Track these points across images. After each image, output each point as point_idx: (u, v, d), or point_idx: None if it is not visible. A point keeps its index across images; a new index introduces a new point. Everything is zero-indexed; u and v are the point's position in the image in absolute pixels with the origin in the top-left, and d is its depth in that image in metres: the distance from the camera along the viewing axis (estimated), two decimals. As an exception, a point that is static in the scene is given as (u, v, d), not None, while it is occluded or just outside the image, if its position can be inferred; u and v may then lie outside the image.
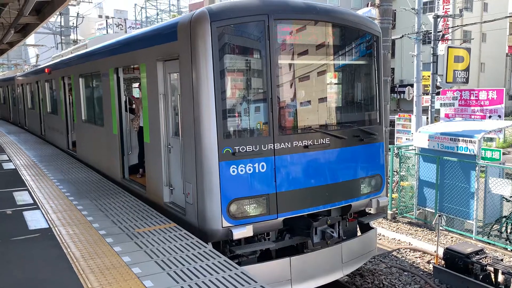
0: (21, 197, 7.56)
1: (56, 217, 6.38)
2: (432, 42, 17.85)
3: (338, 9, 6.86)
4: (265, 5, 6.00)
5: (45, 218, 6.36)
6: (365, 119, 7.26)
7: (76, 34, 29.71)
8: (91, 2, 29.01)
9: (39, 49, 28.50)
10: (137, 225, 6.05)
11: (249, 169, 5.80)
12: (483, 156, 10.87)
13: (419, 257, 9.37)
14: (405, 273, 8.51)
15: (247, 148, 5.77)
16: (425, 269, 8.75)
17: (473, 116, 17.57)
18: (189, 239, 5.53)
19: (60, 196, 7.59)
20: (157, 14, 57.65)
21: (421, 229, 11.11)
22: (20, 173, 9.58)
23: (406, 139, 20.21)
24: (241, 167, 5.76)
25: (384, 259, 9.18)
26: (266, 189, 5.94)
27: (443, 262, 8.22)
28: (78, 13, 29.57)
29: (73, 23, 28.99)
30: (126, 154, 8.76)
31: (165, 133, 6.81)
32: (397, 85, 43.10)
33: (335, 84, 7.02)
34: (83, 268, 4.59)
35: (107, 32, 48.45)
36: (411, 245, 10.07)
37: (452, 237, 10.36)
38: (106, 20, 54.28)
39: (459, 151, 10.39)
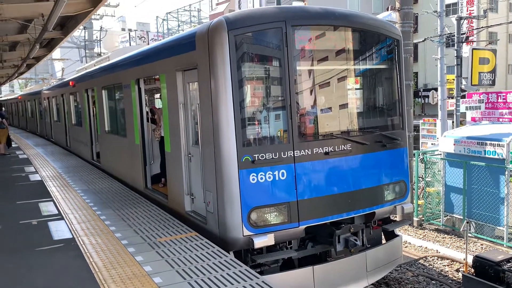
0: (46, 208, 7.70)
1: (79, 227, 6.46)
2: (455, 44, 17.49)
3: (356, 13, 6.78)
4: (282, 12, 5.97)
5: (69, 228, 6.45)
6: (387, 124, 7.12)
7: (100, 47, 30.41)
8: (114, 16, 29.69)
9: (64, 63, 29.26)
10: (159, 234, 6.07)
11: (269, 177, 5.75)
12: (511, 160, 10.53)
13: (447, 265, 9.10)
14: (432, 281, 8.26)
15: (267, 156, 5.72)
16: (453, 278, 8.48)
17: (501, 119, 17.06)
18: (210, 248, 5.51)
19: (84, 207, 7.69)
20: (178, 26, 58.50)
21: (449, 236, 10.81)
22: (46, 184, 9.77)
23: (432, 144, 19.80)
24: (261, 175, 5.71)
25: (410, 267, 8.94)
26: (286, 197, 5.87)
27: (472, 270, 7.94)
28: (101, 27, 30.26)
29: (96, 37, 29.70)
30: (148, 163, 8.83)
31: (185, 142, 6.84)
32: (421, 89, 42.36)
33: (356, 89, 6.92)
34: (105, 278, 4.61)
35: (130, 45, 49.44)
36: (439, 252, 9.79)
37: (482, 244, 10.03)
38: (129, 33, 55.42)
39: (486, 155, 10.09)
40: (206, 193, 6.14)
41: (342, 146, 6.25)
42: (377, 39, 6.84)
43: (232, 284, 4.40)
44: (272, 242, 5.73)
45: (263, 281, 4.44)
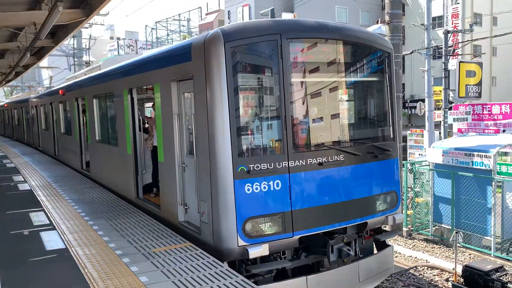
0: (37, 217, 7.62)
1: (72, 238, 6.41)
2: (443, 57, 17.84)
3: (349, 27, 6.92)
4: (277, 25, 6.07)
5: (61, 238, 6.40)
6: (379, 135, 7.24)
7: (89, 55, 30.26)
8: (103, 25, 29.61)
9: (52, 71, 29.07)
10: (153, 244, 6.05)
11: (264, 187, 5.80)
12: (499, 171, 10.75)
13: (437, 275, 9.21)
14: (423, 291, 8.36)
15: (262, 166, 5.77)
16: (443, 287, 8.58)
17: (486, 131, 17.40)
18: (205, 258, 5.51)
19: (75, 217, 7.64)
20: (168, 35, 58.56)
21: (437, 246, 10.94)
22: (35, 193, 9.67)
23: (419, 154, 20.06)
24: (256, 185, 5.75)
25: (401, 277, 9.03)
26: (281, 207, 5.91)
27: (462, 279, 8.07)
28: (90, 35, 30.17)
29: (85, 45, 29.57)
30: (140, 173, 8.81)
31: (180, 152, 6.85)
32: (408, 100, 42.96)
33: (348, 101, 7.03)
34: (100, 289, 4.59)
35: (118, 53, 49.32)
36: (428, 262, 9.91)
37: (470, 254, 10.17)
38: (118, 42, 55.26)
39: (474, 166, 10.29)
40: (201, 203, 6.15)
41: (336, 156, 6.33)
42: (369, 52, 6.97)
43: (229, 294, 4.42)
44: (266, 252, 5.76)
45: (259, 291, 4.46)
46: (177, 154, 6.86)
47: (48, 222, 7.32)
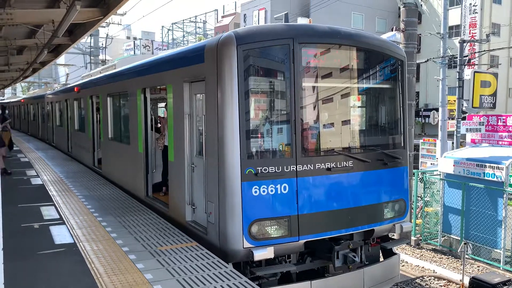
0: (48, 212, 7.75)
1: (81, 233, 6.51)
2: (458, 66, 17.70)
3: (362, 33, 6.92)
4: (290, 30, 6.11)
5: (70, 233, 6.50)
6: (389, 142, 7.22)
7: (105, 54, 30.64)
8: (120, 24, 29.95)
9: (69, 68, 29.50)
10: (160, 242, 6.11)
11: (271, 190, 5.82)
12: (510, 183, 10.61)
13: (444, 286, 9.12)
14: (429, 301, 8.29)
15: (270, 169, 5.80)
16: (450, 298, 8.51)
17: (500, 142, 17.18)
18: (210, 258, 5.56)
19: (85, 212, 7.74)
20: (183, 36, 59.00)
21: (446, 256, 10.84)
22: (47, 188, 9.82)
23: (431, 163, 19.88)
24: (263, 188, 5.78)
25: (407, 286, 8.96)
26: (288, 211, 5.93)
27: (469, 291, 7.99)
28: (107, 34, 30.53)
29: (102, 44, 29.95)
30: (150, 172, 8.90)
31: (189, 153, 6.92)
32: (422, 109, 42.59)
33: (359, 107, 7.03)
34: (106, 284, 4.65)
35: (134, 53, 49.81)
36: (436, 273, 9.82)
37: (478, 266, 10.06)
38: (134, 42, 55.83)
39: (485, 178, 10.18)
40: (208, 204, 6.20)
41: (344, 162, 6.33)
42: (381, 59, 6.97)
43: (232, 295, 4.45)
44: (271, 255, 5.78)
45: (262, 293, 4.48)
46: (186, 154, 6.93)
47: (58, 216, 7.44)
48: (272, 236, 5.85)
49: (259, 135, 6.05)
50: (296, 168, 5.94)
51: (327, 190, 6.22)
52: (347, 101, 6.83)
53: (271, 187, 5.81)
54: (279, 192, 5.86)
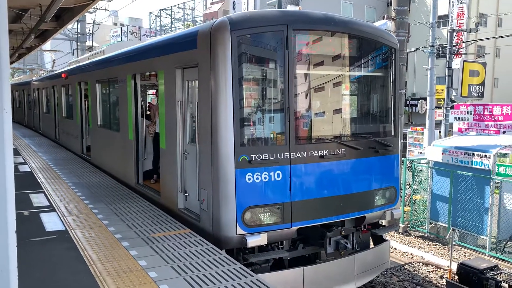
0: (37, 199, 7.66)
1: (72, 220, 6.46)
2: (447, 56, 17.81)
3: (356, 21, 6.91)
4: (284, 16, 6.07)
5: (61, 220, 6.44)
6: (380, 130, 7.26)
7: (92, 40, 30.16)
8: (108, 10, 29.45)
9: (55, 55, 28.99)
10: (152, 230, 6.10)
11: (265, 178, 5.83)
12: (497, 172, 10.78)
13: (432, 272, 9.28)
14: (417, 287, 8.43)
15: (263, 157, 5.80)
16: (438, 284, 8.66)
17: (486, 131, 17.44)
18: (204, 245, 5.56)
19: (75, 199, 7.67)
20: (171, 23, 58.30)
21: (433, 243, 11.02)
22: (35, 175, 9.70)
23: (418, 152, 20.09)
24: (257, 175, 5.78)
25: (396, 272, 9.11)
26: (281, 198, 5.95)
27: (456, 277, 8.14)
28: (94, 20, 30.02)
29: (89, 30, 29.46)
30: (141, 159, 8.84)
31: (182, 140, 6.88)
32: (409, 99, 42.90)
33: (352, 95, 7.05)
34: (100, 271, 4.63)
35: (121, 40, 49.13)
36: (424, 259, 9.99)
37: (465, 253, 10.25)
38: (121, 28, 55.04)
39: (473, 166, 10.33)
40: (201, 191, 6.19)
41: (337, 150, 6.36)
42: (375, 47, 6.97)
43: (227, 281, 4.46)
44: (264, 242, 5.81)
45: (257, 279, 4.51)
46: (179, 142, 6.89)
47: (48, 203, 7.37)
48: (265, 223, 5.87)
49: (253, 122, 6.03)
50: (290, 156, 5.95)
51: (319, 177, 6.25)
52: (340, 89, 6.84)
53: (265, 174, 5.81)
54: (272, 179, 5.87)
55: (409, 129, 22.22)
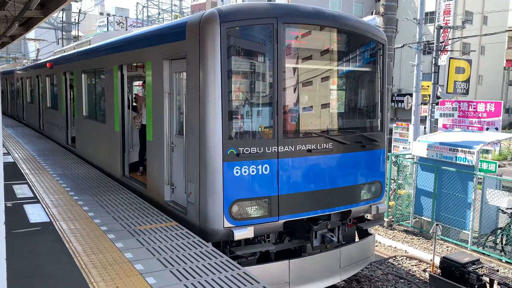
0: (21, 190, 7.55)
1: (56, 211, 6.38)
2: (433, 52, 17.97)
3: (345, 15, 6.92)
4: (274, 9, 6.04)
5: (45, 212, 6.36)
6: (367, 125, 7.32)
7: (78, 30, 29.69)
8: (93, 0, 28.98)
9: (39, 44, 28.45)
10: (138, 222, 6.06)
11: (253, 171, 5.83)
12: (479, 167, 10.95)
13: (415, 265, 9.42)
14: (401, 280, 8.56)
15: (251, 150, 5.79)
16: (421, 277, 8.80)
17: (470, 128, 17.69)
18: (191, 238, 5.55)
19: (60, 191, 7.58)
20: (159, 14, 57.69)
21: (417, 237, 11.17)
22: (19, 166, 9.55)
23: (403, 147, 20.30)
24: (244, 168, 5.78)
25: (380, 265, 9.22)
26: (268, 191, 5.96)
27: (439, 270, 8.27)
28: (80, 10, 29.52)
29: (74, 19, 28.98)
30: (127, 151, 8.76)
31: (169, 132, 6.83)
32: (395, 94, 43.24)
33: (340, 90, 7.07)
34: (85, 263, 4.59)
35: (107, 30, 48.46)
36: (407, 253, 10.12)
37: (447, 247, 10.42)
38: (107, 18, 54.26)
39: (457, 162, 10.47)
40: (188, 184, 6.16)
41: (324, 144, 6.39)
42: (363, 42, 7.00)
43: (214, 274, 4.46)
44: (251, 235, 5.82)
45: (244, 272, 4.52)
46: (166, 134, 6.84)
47: (32, 195, 7.26)
48: (252, 216, 5.89)
49: (241, 116, 6.01)
50: (278, 149, 5.96)
51: (307, 171, 6.28)
52: (328, 84, 6.86)
53: (253, 167, 5.81)
54: (260, 172, 5.88)
55: (394, 125, 22.42)
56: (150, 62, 7.20)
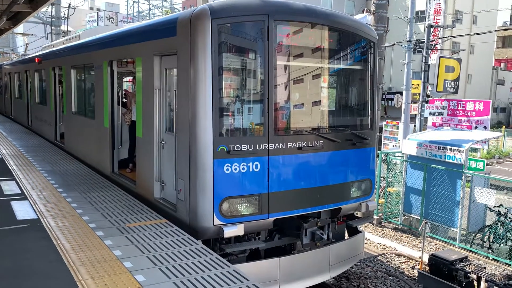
0: (8, 186, 7.45)
1: (44, 208, 6.31)
2: (424, 51, 18.07)
3: (337, 13, 6.91)
4: (266, 5, 6.02)
5: (33, 208, 6.28)
6: (358, 123, 7.34)
7: (67, 25, 29.37)
8: (84, -6, 28.68)
9: (28, 38, 28.09)
10: (128, 219, 6.01)
11: (243, 168, 5.81)
12: (468, 166, 11.05)
13: (404, 263, 9.49)
14: (390, 277, 8.61)
15: (242, 147, 5.78)
16: (409, 274, 8.86)
17: (459, 126, 17.85)
18: (180, 235, 5.52)
19: (48, 187, 7.50)
20: (150, 9, 57.27)
21: (406, 235, 11.25)
22: (6, 162, 9.43)
23: (393, 145, 20.42)
24: (235, 165, 5.76)
25: (370, 263, 9.27)
26: (258, 189, 5.95)
27: (427, 268, 8.34)
28: (69, 4, 29.20)
29: (64, 14, 28.66)
30: (116, 148, 8.68)
31: (159, 129, 6.78)
32: (385, 92, 43.47)
33: (331, 88, 7.08)
34: (73, 260, 4.55)
35: (97, 25, 48.00)
36: (396, 250, 10.19)
37: (436, 244, 10.50)
38: (97, 13, 53.76)
39: (446, 160, 10.55)
40: (178, 181, 6.13)
41: (315, 142, 6.39)
42: (354, 40, 7.00)
43: (203, 271, 4.44)
44: (241, 232, 5.81)
45: (234, 270, 4.51)
46: (156, 130, 6.79)
47: (19, 191, 7.17)
48: (242, 213, 5.87)
49: (232, 113, 5.99)
50: (268, 147, 5.95)
51: (297, 169, 6.28)
52: (319, 81, 6.85)
53: (243, 165, 5.80)
54: (250, 170, 5.86)
55: (384, 123, 22.54)
56: (140, 58, 7.14)
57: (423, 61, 17.73)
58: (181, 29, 5.92)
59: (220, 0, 6.03)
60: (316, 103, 6.83)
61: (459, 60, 18.50)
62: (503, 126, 31.07)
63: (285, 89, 6.42)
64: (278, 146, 6.04)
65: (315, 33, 6.56)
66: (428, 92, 17.77)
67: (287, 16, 6.14)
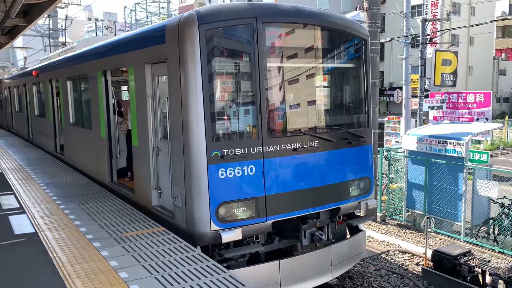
0: (7, 201, 7.46)
1: (42, 222, 6.31)
2: (420, 45, 18.01)
3: (326, 12, 6.88)
4: (254, 9, 5.99)
5: (31, 222, 6.28)
6: (353, 122, 7.29)
7: (65, 36, 29.52)
8: (80, 5, 28.84)
9: (27, 52, 28.25)
10: (125, 229, 6.00)
11: (238, 172, 5.79)
12: (471, 158, 10.97)
13: (408, 259, 9.42)
14: (394, 275, 8.54)
15: (236, 151, 5.75)
16: (414, 271, 8.79)
17: (461, 119, 17.76)
18: (177, 243, 5.50)
19: (47, 200, 7.50)
20: (147, 17, 57.46)
21: (410, 231, 11.17)
22: (6, 177, 9.46)
23: (396, 141, 20.35)
24: (229, 170, 5.74)
25: (373, 261, 9.20)
26: (255, 192, 5.92)
27: (431, 264, 8.27)
28: (66, 16, 29.35)
29: (61, 26, 28.81)
30: (114, 157, 8.69)
31: (154, 136, 6.78)
32: (387, 88, 43.38)
33: (324, 87, 7.04)
34: (69, 273, 4.53)
35: (96, 35, 48.21)
36: (400, 247, 10.12)
37: (440, 239, 10.42)
38: (96, 23, 54.02)
39: (447, 154, 10.47)
40: (174, 188, 6.11)
41: (310, 142, 6.35)
42: (345, 39, 6.97)
43: (199, 278, 4.42)
44: (239, 237, 5.78)
45: (230, 275, 4.48)
46: (151, 138, 6.78)
47: (18, 205, 7.18)
48: (239, 217, 5.84)
49: (224, 117, 5.97)
50: (263, 150, 5.92)
51: (293, 170, 6.24)
52: (312, 81, 6.82)
53: (238, 169, 5.77)
54: (245, 174, 5.83)
55: (386, 119, 22.47)
56: (132, 67, 7.14)
57: (420, 55, 17.65)
58: (170, 36, 5.92)
59: (208, 5, 6.02)
60: (310, 103, 6.80)
61: (456, 53, 18.41)
62: (507, 116, 30.87)
63: (278, 90, 6.40)
64: (272, 149, 6.01)
65: (304, 34, 6.53)
66: (426, 86, 17.68)
67: (276, 18, 6.12)
